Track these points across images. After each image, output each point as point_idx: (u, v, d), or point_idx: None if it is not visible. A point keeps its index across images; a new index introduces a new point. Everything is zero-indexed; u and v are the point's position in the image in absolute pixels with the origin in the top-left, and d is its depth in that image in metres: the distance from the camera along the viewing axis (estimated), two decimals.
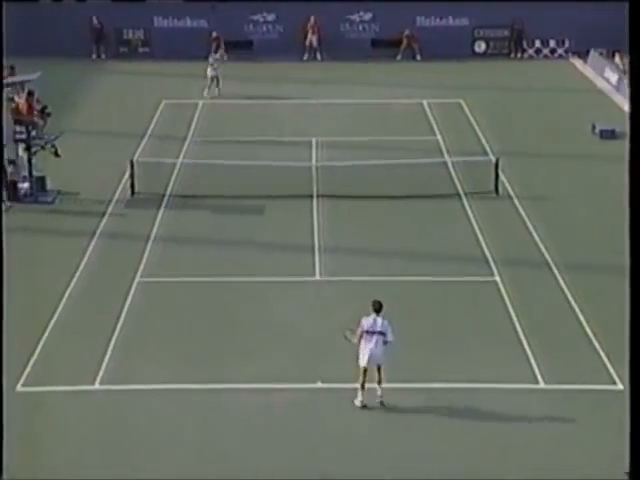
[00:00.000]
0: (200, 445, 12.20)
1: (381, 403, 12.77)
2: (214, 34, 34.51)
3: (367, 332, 12.58)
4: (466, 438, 12.33)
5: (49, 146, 20.98)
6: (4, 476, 7.88)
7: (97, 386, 13.55)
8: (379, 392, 12.74)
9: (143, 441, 12.30)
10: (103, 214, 19.97)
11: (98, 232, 19.06)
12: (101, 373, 13.83)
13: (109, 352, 14.43)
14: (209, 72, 29.27)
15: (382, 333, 12.58)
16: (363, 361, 12.66)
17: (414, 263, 17.66)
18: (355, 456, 11.96)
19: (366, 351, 12.59)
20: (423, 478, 11.53)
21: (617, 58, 31.76)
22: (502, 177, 21.32)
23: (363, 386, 12.72)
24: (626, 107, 27.94)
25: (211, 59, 29.85)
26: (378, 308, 12.70)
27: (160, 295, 16.52)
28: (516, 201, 20.67)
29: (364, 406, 12.74)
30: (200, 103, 28.48)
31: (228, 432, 12.47)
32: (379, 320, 12.65)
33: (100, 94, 29.81)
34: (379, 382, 12.73)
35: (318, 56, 34.46)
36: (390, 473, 11.63)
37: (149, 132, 25.68)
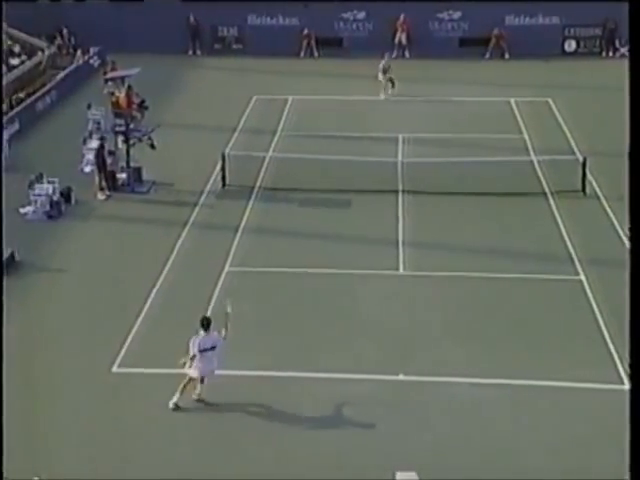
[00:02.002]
0: (280, 432, 12.31)
1: (199, 400, 12.64)
2: (305, 31, 34.71)
3: (202, 351, 12.29)
4: (548, 437, 12.11)
5: (146, 138, 21.42)
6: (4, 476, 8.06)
7: (187, 370, 13.78)
8: (198, 391, 12.62)
9: (230, 426, 12.48)
10: (195, 205, 20.31)
11: (190, 222, 19.40)
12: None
13: None
14: (381, 76, 28.50)
15: (214, 347, 12.36)
16: (195, 374, 12.44)
17: (498, 260, 17.41)
18: (436, 451, 11.89)
19: (202, 369, 12.37)
20: (503, 477, 11.38)
21: None
22: (590, 177, 20.82)
23: (183, 390, 12.51)
24: None
25: (384, 62, 28.83)
26: (207, 325, 12.39)
27: (248, 284, 16.71)
28: (604, 201, 20.16)
29: (177, 407, 12.52)
30: (290, 99, 28.66)
31: (310, 420, 12.54)
32: (214, 335, 12.34)
33: (195, 89, 30.32)
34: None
35: (407, 54, 34.25)
36: (469, 472, 11.52)
37: (240, 126, 25.98)
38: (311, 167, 21.43)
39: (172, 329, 15.01)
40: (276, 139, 24.89)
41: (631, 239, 6.04)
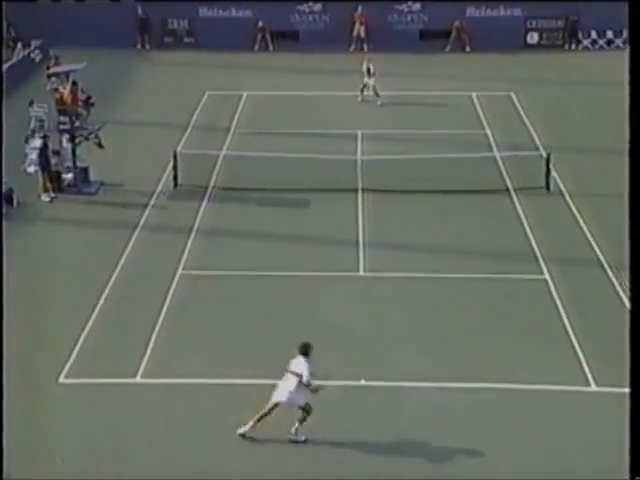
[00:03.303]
0: (239, 441, 12.27)
1: (290, 440, 12.17)
2: (260, 24, 34.68)
3: (288, 371, 12.14)
4: (516, 440, 12.24)
5: (93, 137, 21.24)
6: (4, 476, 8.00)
7: (139, 379, 13.71)
8: (292, 429, 12.18)
9: (184, 435, 12.40)
10: (146, 206, 20.18)
11: (141, 224, 19.26)
12: (143, 366, 13.99)
13: (151, 345, 14.58)
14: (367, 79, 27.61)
15: (296, 374, 11.99)
16: (274, 396, 12.15)
17: (460, 260, 17.55)
18: (400, 455, 11.95)
19: (279, 391, 12.10)
20: (469, 478, 11.52)
21: None
22: (553, 173, 21.09)
23: (260, 419, 12.10)
24: None
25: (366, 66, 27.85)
26: (304, 351, 12.07)
27: (202, 288, 16.64)
28: (568, 197, 20.44)
29: (242, 435, 12.10)
30: (244, 94, 28.60)
31: (271, 428, 12.51)
32: (294, 361, 12.06)
33: (144, 84, 30.11)
34: (299, 420, 12.15)
35: (365, 47, 34.37)
36: (434, 472, 11.61)
37: (192, 123, 25.87)
38: (267, 165, 21.42)
39: (122, 336, 14.90)
40: (230, 136, 24.83)
41: (631, 241, 6.13)
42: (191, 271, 17.19)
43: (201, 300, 16.24)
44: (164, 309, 15.73)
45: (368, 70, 27.66)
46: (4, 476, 7.93)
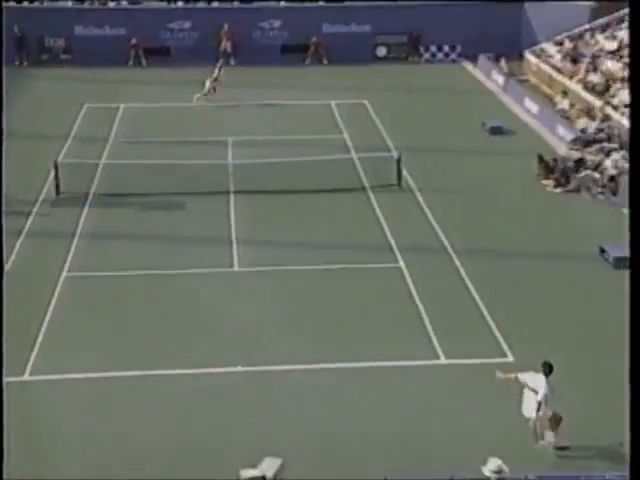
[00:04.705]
0: (128, 432, 12.00)
1: (556, 448, 11.68)
2: (133, 41, 33.90)
3: (530, 388, 11.65)
4: (379, 411, 12.46)
5: None
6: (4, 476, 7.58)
7: (27, 377, 13.18)
8: (552, 440, 11.68)
9: (74, 431, 12.02)
10: (29, 214, 19.42)
11: (24, 231, 18.53)
12: (30, 364, 13.46)
13: (38, 344, 14.07)
14: (208, 84, 28.38)
15: (534, 390, 11.59)
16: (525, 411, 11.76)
17: (325, 253, 17.73)
18: (277, 430, 11.97)
19: (524, 405, 11.74)
20: (349, 454, 11.62)
21: (502, 62, 32.65)
22: (404, 171, 21.59)
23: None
24: (512, 106, 28.64)
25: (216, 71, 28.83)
26: (547, 371, 11.53)
27: (86, 288, 16.17)
28: (417, 193, 20.96)
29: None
30: (121, 107, 27.91)
31: (156, 418, 12.31)
32: (537, 379, 11.58)
33: (24, 99, 28.85)
34: (552, 429, 11.68)
35: (232, 61, 34.18)
36: (305, 453, 11.68)
37: (72, 135, 25.04)
38: (144, 172, 21.02)
39: (9, 336, 14.17)
40: (109, 146, 24.18)
41: (631, 241, 6.02)
42: (75, 273, 16.66)
43: (86, 300, 15.78)
44: (50, 309, 15.20)
45: (216, 78, 28.71)
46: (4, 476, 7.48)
